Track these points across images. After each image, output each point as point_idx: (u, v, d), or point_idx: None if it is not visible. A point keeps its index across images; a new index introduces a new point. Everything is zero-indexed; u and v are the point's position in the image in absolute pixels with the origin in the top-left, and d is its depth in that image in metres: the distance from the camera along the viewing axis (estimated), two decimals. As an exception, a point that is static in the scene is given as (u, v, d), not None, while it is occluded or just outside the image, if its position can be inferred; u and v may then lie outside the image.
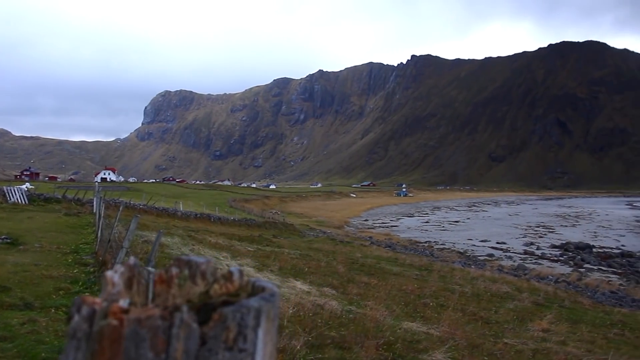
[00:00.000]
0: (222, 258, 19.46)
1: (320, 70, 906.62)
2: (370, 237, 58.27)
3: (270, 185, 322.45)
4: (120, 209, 16.90)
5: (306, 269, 19.87)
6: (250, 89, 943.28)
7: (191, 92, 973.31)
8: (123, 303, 0.74)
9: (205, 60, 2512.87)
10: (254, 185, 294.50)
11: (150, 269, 0.83)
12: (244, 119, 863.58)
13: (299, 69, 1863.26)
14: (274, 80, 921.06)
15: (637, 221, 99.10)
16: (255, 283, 0.74)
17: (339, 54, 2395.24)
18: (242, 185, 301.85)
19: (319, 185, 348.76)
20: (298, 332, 9.08)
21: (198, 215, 51.46)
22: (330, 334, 9.71)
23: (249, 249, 26.15)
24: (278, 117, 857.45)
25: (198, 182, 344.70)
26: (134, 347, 0.72)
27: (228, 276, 0.84)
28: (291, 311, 10.76)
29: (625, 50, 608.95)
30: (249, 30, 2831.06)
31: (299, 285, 15.03)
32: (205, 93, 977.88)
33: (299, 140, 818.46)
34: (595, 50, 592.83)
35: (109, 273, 0.79)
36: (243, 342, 0.76)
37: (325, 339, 9.27)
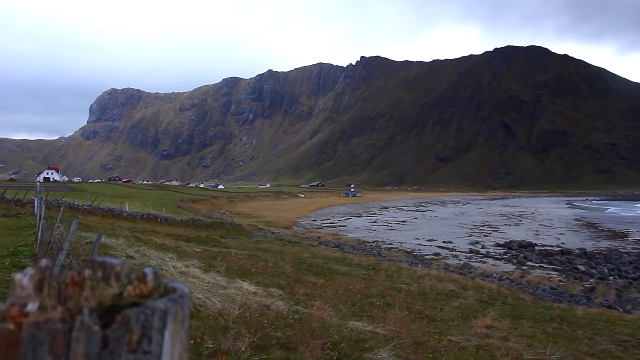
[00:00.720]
0: (168, 259, 19.15)
1: (269, 70, 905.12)
2: (319, 237, 58.32)
3: (218, 185, 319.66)
4: (62, 209, 16.47)
5: (253, 270, 19.74)
6: (199, 88, 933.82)
7: (139, 90, 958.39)
8: (32, 307, 0.71)
9: (153, 58, 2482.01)
10: (202, 186, 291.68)
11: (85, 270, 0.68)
12: (192, 118, 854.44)
13: (249, 69, 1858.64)
14: (223, 79, 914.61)
15: (576, 220, 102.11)
16: (167, 284, 0.71)
17: (289, 55, 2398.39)
18: (190, 185, 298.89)
19: (268, 185, 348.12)
20: (243, 333, 8.99)
21: (144, 216, 50.58)
22: (275, 334, 9.67)
23: (196, 249, 25.84)
24: (227, 116, 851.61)
25: (145, 182, 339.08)
26: (32, 352, 0.69)
27: (142, 277, 0.81)
28: (237, 312, 10.66)
29: (566, 56, 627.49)
30: (199, 28, 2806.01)
31: (246, 285, 14.92)
32: (153, 91, 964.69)
33: (247, 140, 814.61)
34: (538, 55, 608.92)
35: (17, 276, 0.76)
36: (148, 344, 0.73)
37: (270, 339, 9.22)
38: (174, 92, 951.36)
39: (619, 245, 61.26)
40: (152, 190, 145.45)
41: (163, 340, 0.73)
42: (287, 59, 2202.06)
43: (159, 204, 78.54)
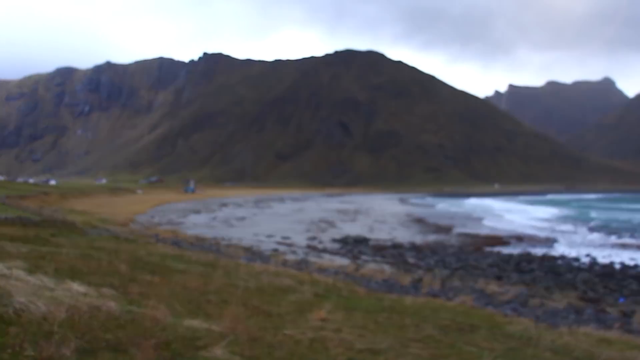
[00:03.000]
0: (-13, 260, 17.79)
1: (107, 61, 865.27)
2: (156, 235, 56.76)
3: (50, 180, 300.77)
4: None
5: (85, 270, 18.81)
6: (30, 76, 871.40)
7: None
8: None
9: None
10: (31, 181, 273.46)
11: None
12: (21, 108, 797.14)
13: (85, 58, 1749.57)
14: (57, 68, 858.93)
15: (407, 216, 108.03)
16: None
17: (129, 47, 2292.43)
18: (18, 180, 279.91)
19: (104, 181, 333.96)
20: (69, 338, 8.54)
21: (-38, 214, 46.60)
22: (105, 336, 9.30)
23: (22, 250, 24.17)
24: (60, 108, 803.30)
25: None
26: None
27: None
28: (64, 315, 10.12)
29: (400, 62, 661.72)
30: (29, 10, 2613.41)
31: (76, 286, 14.20)
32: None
33: (83, 133, 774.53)
34: (375, 59, 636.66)
35: None
36: None
37: (99, 342, 8.86)
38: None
39: (445, 239, 65.44)
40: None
41: None
42: (127, 51, 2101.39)
43: (-20, 201, 72.61)
